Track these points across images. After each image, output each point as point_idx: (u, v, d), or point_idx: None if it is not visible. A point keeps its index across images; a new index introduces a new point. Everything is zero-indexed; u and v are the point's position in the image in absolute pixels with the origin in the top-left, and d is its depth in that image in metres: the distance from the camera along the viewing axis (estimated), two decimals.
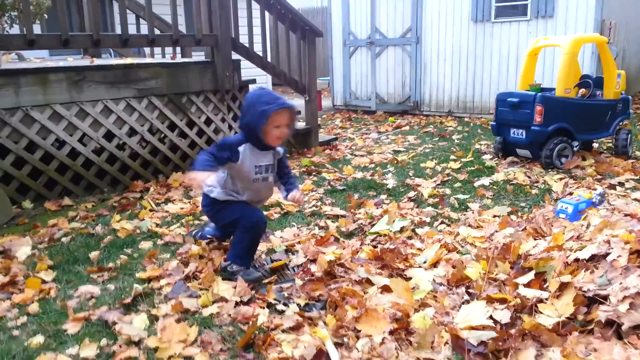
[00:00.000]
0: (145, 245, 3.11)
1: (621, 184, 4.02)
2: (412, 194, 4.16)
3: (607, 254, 1.83)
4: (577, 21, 7.16)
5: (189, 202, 3.98)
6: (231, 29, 5.22)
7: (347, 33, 9.60)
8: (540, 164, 4.76)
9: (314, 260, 2.64)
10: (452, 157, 5.42)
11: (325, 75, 11.78)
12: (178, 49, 6.32)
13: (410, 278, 2.42)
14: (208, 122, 5.04)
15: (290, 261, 2.73)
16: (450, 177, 4.63)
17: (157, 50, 6.41)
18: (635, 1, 8.64)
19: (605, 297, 1.71)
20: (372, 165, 5.23)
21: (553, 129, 4.71)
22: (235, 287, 2.34)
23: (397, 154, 5.73)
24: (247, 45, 5.45)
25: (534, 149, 4.87)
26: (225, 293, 2.31)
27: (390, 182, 4.52)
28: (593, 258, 1.87)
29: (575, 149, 4.88)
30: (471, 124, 7.64)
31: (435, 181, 4.51)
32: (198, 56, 5.90)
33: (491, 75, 8.09)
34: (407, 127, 7.78)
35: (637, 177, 4.15)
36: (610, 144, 5.13)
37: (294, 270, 2.62)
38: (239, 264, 2.53)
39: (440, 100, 8.76)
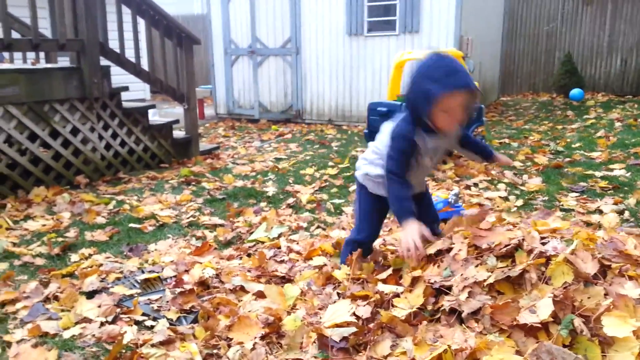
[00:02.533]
0: (0, 266, 2.84)
1: (475, 185, 4.48)
2: (291, 200, 4.26)
3: (450, 249, 2.04)
4: (439, 36, 7.83)
5: (52, 218, 3.70)
6: (99, 33, 4.95)
7: (228, 41, 9.56)
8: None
9: (187, 271, 2.60)
10: (330, 163, 5.64)
11: (208, 83, 11.59)
12: (42, 54, 5.86)
13: (289, 281, 2.49)
14: (75, 131, 4.72)
15: (162, 271, 2.67)
16: (328, 183, 4.81)
17: (18, 55, 5.88)
18: (489, 20, 9.69)
19: (450, 288, 1.91)
20: (254, 174, 5.26)
21: None
22: (99, 306, 2.23)
23: (279, 162, 5.83)
24: (117, 51, 5.21)
25: None
26: (88, 313, 2.19)
27: (271, 189, 4.59)
28: (440, 253, 2.08)
29: None
30: (349, 132, 8.01)
31: (314, 187, 4.66)
32: (65, 62, 5.52)
33: (366, 85, 8.55)
34: (290, 135, 7.93)
35: (489, 178, 4.65)
36: None
37: (167, 282, 2.56)
38: None
39: (320, 109, 9.06)
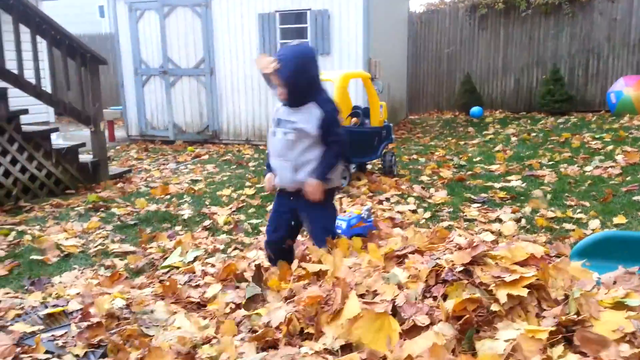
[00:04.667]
0: None
1: (387, 199, 4.68)
2: (207, 222, 4.21)
3: None
4: (349, 59, 8.14)
5: None
6: None
7: (138, 61, 9.29)
8: None
9: (94, 303, 2.48)
10: (247, 183, 5.63)
11: (118, 104, 11.15)
12: None
13: (203, 306, 2.45)
14: None
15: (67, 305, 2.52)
16: (245, 204, 4.80)
17: None
18: (395, 43, 10.22)
19: None
20: (168, 197, 5.13)
21: None
22: None
23: (195, 184, 5.73)
24: (16, 71, 4.91)
25: None
26: None
27: (186, 212, 4.50)
28: None
29: (352, 170, 5.52)
30: (266, 151, 8.03)
31: (231, 208, 4.63)
32: None
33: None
34: (207, 156, 7.82)
35: (400, 193, 4.88)
36: (380, 165, 5.94)
37: (72, 316, 2.43)
38: None
39: (237, 129, 9.03)
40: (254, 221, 4.23)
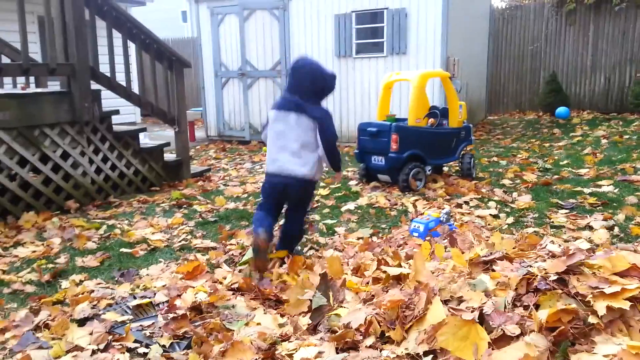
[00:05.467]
0: None
1: (466, 203, 4.51)
2: (282, 221, 4.25)
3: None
4: (426, 58, 7.97)
5: (42, 244, 3.67)
6: (90, 57, 4.99)
7: (218, 64, 9.64)
8: (399, 187, 5.17)
9: (180, 296, 2.58)
10: (321, 184, 5.65)
11: (198, 106, 11.65)
12: (32, 79, 5.88)
13: (280, 302, 2.48)
14: (65, 156, 4.71)
15: (154, 296, 2.64)
16: (319, 204, 4.82)
17: (8, 80, 5.89)
18: (475, 41, 9.88)
19: None
20: (245, 195, 5.26)
21: (407, 155, 5.15)
22: (91, 334, 2.21)
23: None
24: (108, 74, 5.24)
25: (392, 174, 5.28)
26: (80, 341, 2.16)
27: None
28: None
29: (427, 172, 5.38)
30: (340, 152, 8.03)
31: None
32: (55, 86, 5.53)
33: (355, 106, 8.64)
34: None
35: (479, 196, 4.69)
36: (457, 168, 5.75)
37: (159, 307, 2.54)
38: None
39: None
40: (329, 221, 4.23)
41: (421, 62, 7.97)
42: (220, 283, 2.75)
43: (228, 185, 5.77)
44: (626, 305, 1.78)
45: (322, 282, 2.44)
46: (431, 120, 5.63)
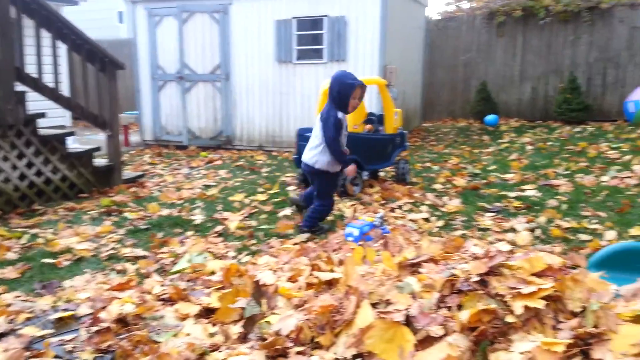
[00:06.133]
0: None
1: (400, 207, 4.63)
2: (219, 228, 4.20)
3: None
4: (365, 65, 8.13)
5: None
6: (15, 57, 4.71)
7: (155, 67, 9.38)
8: (336, 192, 5.21)
9: (105, 308, 2.47)
10: (260, 189, 5.62)
11: (134, 109, 11.27)
12: None
13: (211, 311, 2.43)
14: None
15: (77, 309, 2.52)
16: (257, 209, 4.79)
17: None
18: (411, 50, 10.19)
19: None
20: (180, 202, 5.14)
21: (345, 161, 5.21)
22: (6, 351, 2.07)
23: (207, 189, 5.73)
24: (35, 76, 4.97)
25: None
26: None
27: (198, 217, 4.50)
28: None
29: (365, 178, 5.48)
30: (279, 158, 8.05)
31: (242, 214, 4.62)
32: None
33: (295, 111, 8.67)
34: (220, 162, 7.85)
35: (413, 201, 4.83)
36: (393, 173, 5.89)
37: (82, 320, 2.42)
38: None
39: (251, 135, 9.06)
40: (266, 227, 4.21)
41: (360, 69, 8.12)
42: (149, 293, 2.66)
43: (162, 192, 5.61)
44: (541, 304, 1.88)
45: (255, 290, 2.42)
46: (368, 126, 5.74)
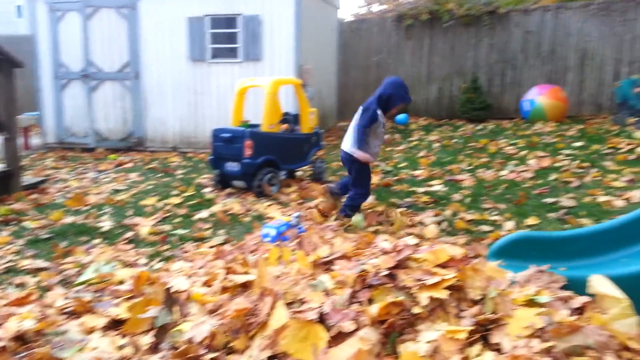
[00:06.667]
0: None
1: (316, 206, 4.68)
2: (129, 234, 4.03)
3: None
4: (280, 65, 8.14)
5: None
6: None
7: (57, 64, 8.77)
8: (254, 193, 5.20)
9: (1, 325, 2.29)
10: (174, 192, 5.46)
11: (35, 109, 10.46)
12: None
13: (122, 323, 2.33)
14: None
15: None
16: (171, 213, 4.64)
17: None
18: (326, 51, 10.34)
19: None
20: (87, 208, 4.86)
21: (262, 161, 5.21)
22: None
23: (117, 193, 5.47)
24: None
25: (247, 180, 5.29)
26: None
27: (106, 224, 4.28)
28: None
29: (282, 178, 5.50)
30: (195, 159, 7.85)
31: (155, 218, 4.46)
32: None
33: (212, 111, 8.49)
34: (131, 164, 7.51)
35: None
36: (310, 172, 5.97)
37: None
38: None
39: (164, 136, 8.75)
40: (181, 231, 4.10)
41: (275, 69, 8.13)
42: (52, 307, 2.49)
43: (66, 198, 5.27)
44: (445, 294, 2.00)
45: (167, 297, 2.35)
46: (284, 126, 5.76)
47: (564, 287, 2.17)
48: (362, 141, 4.03)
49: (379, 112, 4.01)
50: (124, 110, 8.78)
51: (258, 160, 5.19)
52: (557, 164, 5.89)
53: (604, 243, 2.74)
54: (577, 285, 2.13)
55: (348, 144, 4.18)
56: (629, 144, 6.48)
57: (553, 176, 5.41)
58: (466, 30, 10.65)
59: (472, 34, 10.64)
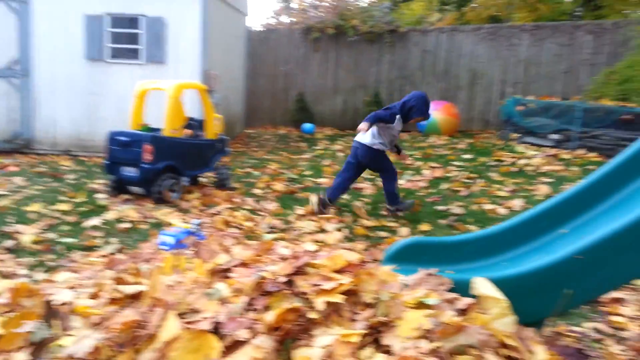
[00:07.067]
0: None
1: (219, 213, 4.60)
2: (9, 243, 3.67)
3: None
4: (185, 69, 7.90)
5: None
6: None
7: None
8: (152, 199, 4.98)
9: None
10: (62, 198, 5.07)
11: None
12: None
13: None
14: None
15: None
16: (58, 221, 4.30)
17: None
18: (233, 58, 10.23)
19: None
20: None
21: (162, 166, 5.01)
22: None
23: None
24: None
25: (146, 186, 5.06)
26: None
27: None
28: None
29: (185, 184, 5.33)
30: (89, 163, 7.36)
31: (40, 226, 4.11)
32: None
33: (109, 114, 8.02)
34: (16, 168, 6.86)
35: (233, 206, 4.84)
36: (214, 179, 5.84)
37: None
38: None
39: (56, 139, 8.12)
40: (69, 240, 3.81)
41: (180, 73, 7.89)
42: None
43: None
44: (340, 298, 2.04)
45: (47, 310, 2.16)
46: (187, 131, 5.61)
47: (450, 290, 2.31)
48: (369, 122, 4.31)
49: (398, 116, 4.42)
50: (9, 110, 8.04)
51: (158, 165, 4.98)
52: (448, 174, 6.32)
53: (487, 248, 2.94)
54: (462, 288, 2.27)
55: (368, 139, 4.52)
56: (512, 157, 7.11)
57: (445, 185, 5.78)
58: (370, 46, 11.09)
59: (375, 50, 11.10)
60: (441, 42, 10.81)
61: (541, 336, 2.07)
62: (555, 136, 7.99)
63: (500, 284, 2.21)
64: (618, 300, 2.83)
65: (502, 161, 6.97)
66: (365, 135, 4.49)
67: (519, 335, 1.98)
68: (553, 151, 7.56)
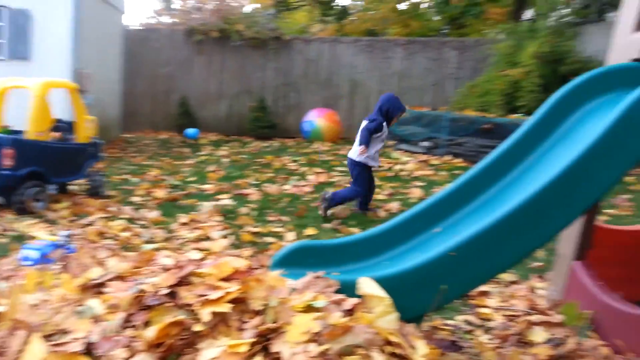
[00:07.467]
0: None
1: (92, 223, 4.25)
2: None
3: None
4: (53, 67, 7.23)
5: None
6: None
7: None
8: (13, 209, 4.46)
9: None
10: None
11: None
12: None
13: None
14: None
15: None
16: None
17: None
18: (109, 58, 9.56)
19: None
20: None
21: (25, 172, 4.53)
22: None
23: None
24: None
25: (5, 195, 4.53)
26: None
27: None
28: None
29: (52, 192, 4.85)
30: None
31: None
32: None
33: None
34: None
35: (108, 215, 4.50)
36: (86, 186, 5.39)
37: None
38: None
39: None
40: None
41: (48, 71, 7.16)
42: None
43: None
44: (227, 307, 1.97)
45: None
46: (55, 134, 5.13)
47: (337, 291, 2.35)
48: (366, 139, 4.67)
49: (384, 124, 4.75)
50: None
51: (21, 171, 4.48)
52: (332, 179, 6.51)
53: (370, 249, 3.06)
54: (348, 288, 2.32)
55: (354, 152, 4.83)
56: (388, 163, 7.52)
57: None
58: (255, 52, 11.07)
59: (260, 56, 11.11)
60: (323, 51, 11.13)
61: (421, 331, 2.19)
62: (425, 143, 8.60)
63: (382, 282, 2.30)
64: (484, 293, 3.09)
65: (380, 167, 7.35)
66: (353, 150, 4.89)
67: (401, 331, 2.07)
68: (424, 157, 8.14)
